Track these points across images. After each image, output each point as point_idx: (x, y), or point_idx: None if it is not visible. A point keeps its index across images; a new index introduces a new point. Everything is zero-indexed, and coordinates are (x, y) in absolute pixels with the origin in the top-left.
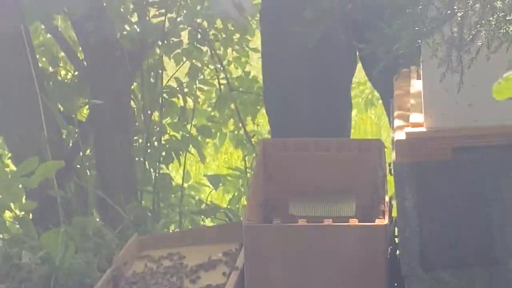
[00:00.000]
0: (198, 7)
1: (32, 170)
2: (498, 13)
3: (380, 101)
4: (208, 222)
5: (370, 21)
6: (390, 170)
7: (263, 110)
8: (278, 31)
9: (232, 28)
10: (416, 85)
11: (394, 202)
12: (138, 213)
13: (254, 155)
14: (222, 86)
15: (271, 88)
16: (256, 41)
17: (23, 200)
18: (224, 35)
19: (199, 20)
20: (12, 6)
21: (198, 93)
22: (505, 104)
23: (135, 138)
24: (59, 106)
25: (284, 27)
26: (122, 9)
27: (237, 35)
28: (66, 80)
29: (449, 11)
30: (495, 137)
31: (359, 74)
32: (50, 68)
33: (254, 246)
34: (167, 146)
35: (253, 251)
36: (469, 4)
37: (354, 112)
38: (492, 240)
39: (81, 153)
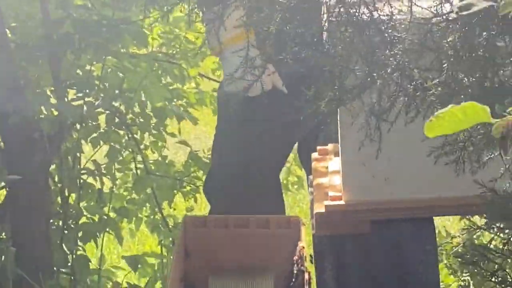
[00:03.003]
0: (116, 91)
1: None
2: (415, 81)
3: (295, 187)
4: None
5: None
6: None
7: (180, 194)
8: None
9: (150, 113)
10: (335, 162)
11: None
12: None
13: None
14: (138, 170)
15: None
16: (173, 125)
17: None
18: (142, 120)
19: (117, 104)
20: None
21: (117, 174)
22: (419, 177)
23: (52, 220)
24: None
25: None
26: (40, 91)
27: (154, 120)
28: None
29: (368, 79)
30: (411, 210)
31: None
32: None
33: None
34: (84, 228)
35: None
36: (388, 72)
37: None
38: None
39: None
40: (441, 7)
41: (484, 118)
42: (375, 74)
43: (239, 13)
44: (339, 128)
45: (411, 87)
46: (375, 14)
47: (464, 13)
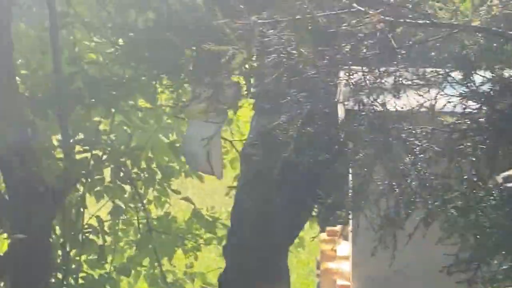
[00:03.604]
0: (123, 147)
1: None
2: (435, 192)
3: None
4: None
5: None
6: None
7: (180, 251)
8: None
9: (156, 169)
10: (343, 246)
11: None
12: None
13: None
14: (141, 225)
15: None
16: (176, 182)
17: None
18: (147, 175)
19: (123, 159)
20: None
21: (120, 234)
22: (428, 270)
23: (53, 274)
24: None
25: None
26: (47, 145)
27: (159, 175)
28: None
29: (387, 187)
30: None
31: None
32: None
33: None
34: (84, 285)
35: None
36: (407, 181)
37: None
38: None
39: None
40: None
41: None
42: (394, 183)
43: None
44: (351, 220)
45: (430, 197)
46: (393, 113)
47: (509, 185)
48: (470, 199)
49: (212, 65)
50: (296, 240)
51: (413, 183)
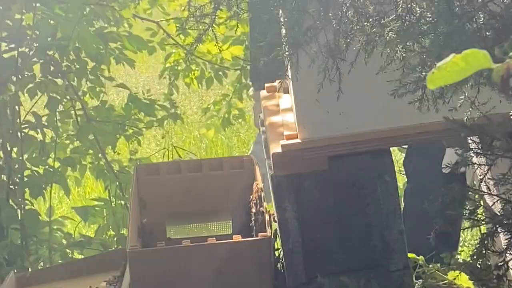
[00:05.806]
0: (49, 39)
1: None
2: (371, 18)
3: (240, 120)
4: (77, 255)
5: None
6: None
7: (123, 139)
8: None
9: (86, 59)
10: (285, 99)
11: (274, 215)
12: (12, 250)
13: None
14: (79, 118)
15: None
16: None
17: None
18: (77, 66)
19: (51, 52)
20: None
21: (59, 124)
22: (373, 109)
23: None
24: None
25: None
26: None
27: (91, 65)
28: None
29: (323, 20)
30: (367, 143)
31: (217, 92)
32: None
33: (140, 271)
34: (30, 181)
35: (139, 276)
36: (344, 11)
37: (211, 132)
38: (372, 244)
39: None
40: None
41: (485, 64)
42: (330, 14)
43: None
44: (288, 66)
45: (368, 24)
46: None
47: None
48: (407, 21)
49: None
50: (235, 111)
51: (349, 12)
